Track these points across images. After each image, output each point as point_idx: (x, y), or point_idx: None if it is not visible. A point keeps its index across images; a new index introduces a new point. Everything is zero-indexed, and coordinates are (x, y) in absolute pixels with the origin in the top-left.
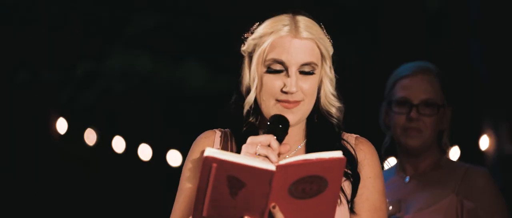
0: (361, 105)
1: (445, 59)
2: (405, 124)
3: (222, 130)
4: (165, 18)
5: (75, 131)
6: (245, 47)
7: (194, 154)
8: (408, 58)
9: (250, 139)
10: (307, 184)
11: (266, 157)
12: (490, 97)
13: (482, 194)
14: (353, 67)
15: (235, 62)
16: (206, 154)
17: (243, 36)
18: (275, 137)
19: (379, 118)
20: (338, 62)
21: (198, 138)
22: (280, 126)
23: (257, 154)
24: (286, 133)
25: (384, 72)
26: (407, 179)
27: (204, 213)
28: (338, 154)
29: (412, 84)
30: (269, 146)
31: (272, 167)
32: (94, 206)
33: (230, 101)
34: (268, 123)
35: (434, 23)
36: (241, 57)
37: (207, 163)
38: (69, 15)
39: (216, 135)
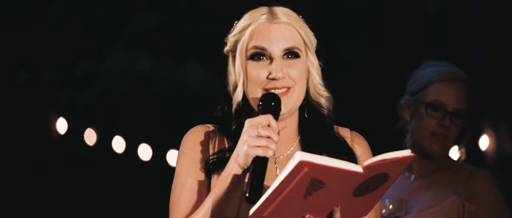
0: (361, 105)
1: (445, 59)
2: (434, 128)
3: (215, 125)
4: (165, 18)
5: (75, 131)
6: (227, 47)
7: (188, 148)
8: (408, 59)
9: (249, 122)
10: (371, 182)
11: (269, 137)
12: (490, 97)
13: (483, 196)
14: (353, 67)
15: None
16: (299, 158)
17: (226, 39)
18: (272, 116)
19: (398, 111)
20: (339, 63)
21: (191, 132)
22: (272, 104)
23: (260, 135)
24: (279, 109)
25: (384, 72)
26: (412, 177)
27: (266, 213)
28: (408, 152)
29: (450, 91)
30: (268, 125)
31: (360, 169)
32: (94, 206)
33: (218, 106)
34: (260, 103)
35: (434, 23)
36: (225, 59)
37: (299, 167)
38: (69, 15)
39: (209, 129)
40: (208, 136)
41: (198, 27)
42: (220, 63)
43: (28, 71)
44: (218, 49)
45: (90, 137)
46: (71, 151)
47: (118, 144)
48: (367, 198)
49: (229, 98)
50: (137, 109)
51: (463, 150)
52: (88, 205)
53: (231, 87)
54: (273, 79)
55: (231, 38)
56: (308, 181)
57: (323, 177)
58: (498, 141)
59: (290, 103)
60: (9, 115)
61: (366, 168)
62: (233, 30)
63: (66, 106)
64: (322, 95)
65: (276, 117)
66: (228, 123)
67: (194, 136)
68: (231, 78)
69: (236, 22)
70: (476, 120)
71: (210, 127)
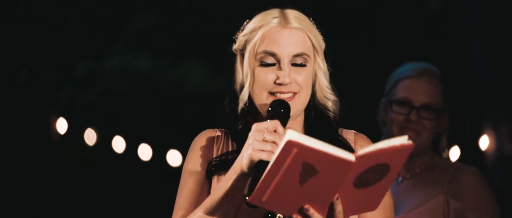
0: (361, 105)
1: (445, 59)
2: (403, 123)
3: (222, 129)
4: (165, 18)
5: (75, 131)
6: (236, 45)
7: (195, 151)
8: (408, 59)
9: (256, 126)
10: (371, 173)
11: (274, 142)
12: (490, 98)
13: (469, 193)
14: (353, 67)
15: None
16: (288, 137)
17: (235, 36)
18: (279, 122)
19: (377, 114)
20: (338, 63)
21: (199, 136)
22: (282, 110)
23: (265, 140)
24: (288, 116)
25: (384, 72)
26: (399, 179)
27: (264, 198)
28: (405, 139)
29: (415, 86)
30: (275, 131)
31: (352, 158)
32: (94, 206)
33: (224, 102)
34: (269, 109)
35: (434, 24)
36: (233, 56)
37: (287, 147)
38: (69, 15)
39: (216, 133)
40: (214, 139)
41: (198, 27)
42: (227, 61)
43: (28, 71)
44: (218, 49)
45: (90, 137)
46: (71, 151)
47: (118, 144)
48: (371, 191)
49: (236, 97)
50: (137, 108)
51: (444, 145)
52: (88, 205)
53: (237, 86)
54: (280, 84)
55: (241, 38)
56: (300, 165)
57: (315, 162)
58: (498, 141)
59: (294, 109)
60: (9, 115)
61: (359, 157)
62: (243, 29)
63: (66, 106)
64: (329, 98)
65: (284, 124)
66: (234, 122)
67: (201, 140)
68: (238, 77)
69: (246, 21)
70: (457, 109)
71: (218, 131)
